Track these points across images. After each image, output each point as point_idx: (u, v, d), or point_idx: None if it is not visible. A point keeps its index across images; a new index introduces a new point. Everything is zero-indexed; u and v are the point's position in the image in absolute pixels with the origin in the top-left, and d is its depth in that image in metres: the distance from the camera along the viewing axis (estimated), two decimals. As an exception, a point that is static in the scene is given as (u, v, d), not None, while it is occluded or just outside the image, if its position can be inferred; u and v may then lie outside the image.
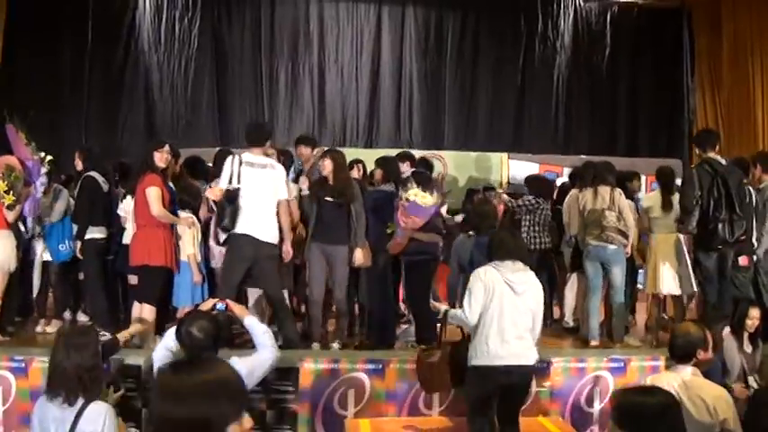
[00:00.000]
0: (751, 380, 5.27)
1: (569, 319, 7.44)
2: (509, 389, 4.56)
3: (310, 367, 5.30)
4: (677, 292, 6.63)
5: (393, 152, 8.09)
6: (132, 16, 13.03)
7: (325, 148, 7.01)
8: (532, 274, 4.70)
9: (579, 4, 14.52)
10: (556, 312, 7.92)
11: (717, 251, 6.10)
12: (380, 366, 5.38)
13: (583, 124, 14.47)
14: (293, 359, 5.32)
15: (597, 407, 5.59)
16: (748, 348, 5.35)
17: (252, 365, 3.78)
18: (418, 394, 5.35)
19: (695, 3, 15.11)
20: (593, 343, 6.43)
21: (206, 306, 4.26)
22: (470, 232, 5.82)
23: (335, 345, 6.21)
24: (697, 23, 15.24)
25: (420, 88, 13.88)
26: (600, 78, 14.54)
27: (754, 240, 6.58)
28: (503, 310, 4.47)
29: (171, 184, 6.29)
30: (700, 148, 6.30)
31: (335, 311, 6.46)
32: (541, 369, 5.36)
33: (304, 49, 13.61)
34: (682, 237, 6.59)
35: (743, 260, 6.39)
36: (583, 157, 10.43)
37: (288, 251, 5.94)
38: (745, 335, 5.32)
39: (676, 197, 6.45)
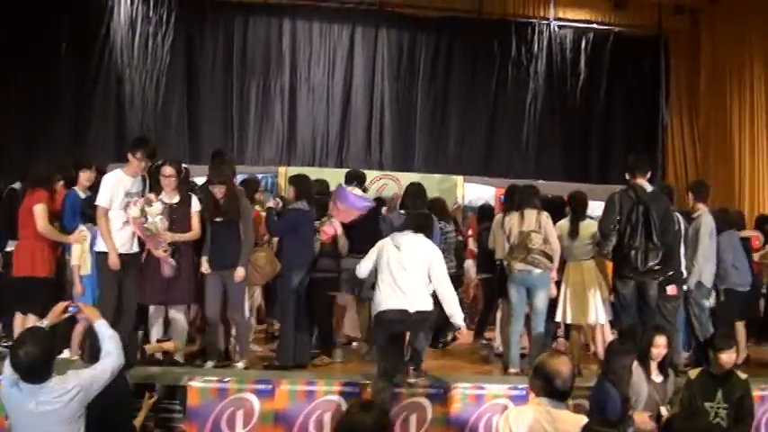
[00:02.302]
0: (663, 410, 5.11)
1: (499, 345, 7.30)
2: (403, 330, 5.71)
3: (197, 386, 5.17)
4: (602, 319, 6.48)
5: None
6: (106, 30, 13.09)
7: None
8: (423, 237, 5.69)
9: (554, 30, 14.54)
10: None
11: (632, 279, 5.94)
12: (270, 387, 5.26)
13: (555, 149, 14.45)
14: (180, 377, 5.21)
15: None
16: (657, 378, 5.18)
17: (90, 377, 3.78)
18: (309, 416, 5.22)
19: (672, 32, 15.13)
20: (513, 370, 6.24)
21: (58, 309, 4.18)
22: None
23: (240, 364, 6.07)
24: (674, 52, 15.27)
25: (391, 109, 13.89)
26: (573, 104, 14.53)
27: (683, 269, 6.47)
28: (391, 268, 5.48)
29: (81, 195, 6.35)
30: (629, 173, 6.14)
31: (236, 331, 6.30)
32: (438, 395, 5.24)
33: (276, 68, 13.66)
34: (591, 263, 6.47)
35: (671, 290, 6.25)
36: (539, 182, 10.31)
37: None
38: (654, 364, 5.16)
39: (593, 224, 6.34)
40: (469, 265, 8.75)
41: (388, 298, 5.48)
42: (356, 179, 7.42)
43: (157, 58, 13.26)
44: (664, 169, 14.89)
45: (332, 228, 6.55)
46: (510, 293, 6.42)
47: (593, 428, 3.14)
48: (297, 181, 6.53)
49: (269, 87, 13.59)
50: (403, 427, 5.38)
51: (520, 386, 5.48)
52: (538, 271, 6.22)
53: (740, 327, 7.62)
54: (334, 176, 8.66)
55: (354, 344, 7.38)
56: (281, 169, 11.28)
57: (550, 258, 6.21)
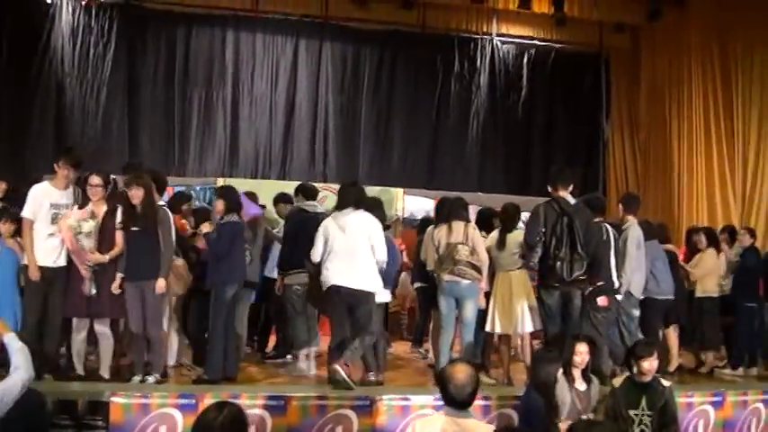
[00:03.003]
0: (585, 418, 5.16)
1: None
2: (350, 305, 6.03)
3: (120, 402, 5.06)
4: (531, 328, 6.53)
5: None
6: (47, 39, 12.78)
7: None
8: (365, 215, 6.14)
9: (497, 45, 14.72)
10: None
11: (557, 289, 6.03)
12: (193, 402, 5.14)
13: (497, 163, 14.61)
14: (103, 393, 5.09)
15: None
16: (581, 386, 5.24)
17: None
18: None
19: (613, 49, 15.47)
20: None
21: None
22: None
23: (151, 378, 5.95)
24: (615, 68, 15.60)
25: (335, 122, 13.85)
26: (516, 118, 14.72)
27: (615, 280, 6.56)
28: (338, 250, 5.97)
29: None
30: (551, 186, 6.26)
31: (149, 345, 6.15)
32: (364, 407, 5.21)
33: (218, 79, 13.49)
34: (519, 274, 6.53)
35: (602, 300, 6.33)
36: (479, 194, 10.43)
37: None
38: (577, 372, 5.22)
39: (520, 235, 6.42)
40: (403, 277, 8.77)
41: (335, 274, 5.98)
42: (302, 192, 7.48)
43: (98, 68, 13.00)
44: (605, 183, 15.16)
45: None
46: (439, 304, 6.48)
47: None
48: (226, 194, 6.45)
49: (211, 99, 13.41)
50: None
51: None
52: (466, 282, 6.27)
53: (671, 335, 7.78)
54: (277, 189, 8.68)
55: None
56: (221, 181, 11.14)
57: (478, 269, 6.27)
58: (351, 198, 6.25)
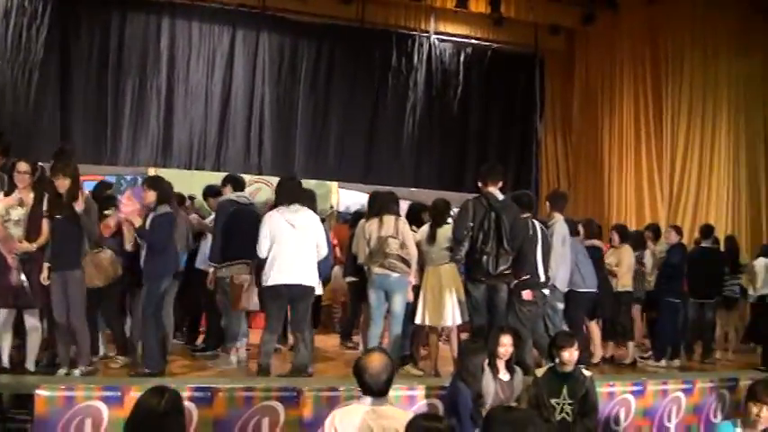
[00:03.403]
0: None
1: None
2: (291, 300, 6.07)
3: (44, 395, 4.94)
4: (459, 320, 6.66)
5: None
6: (-23, 19, 12.36)
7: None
8: (310, 212, 6.19)
9: (434, 42, 14.87)
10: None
11: (483, 282, 6.15)
12: (119, 394, 5.04)
13: (433, 159, 14.76)
14: (29, 386, 4.98)
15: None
16: (505, 377, 5.35)
17: None
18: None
19: (548, 51, 15.80)
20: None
21: None
22: None
23: (77, 371, 5.83)
24: (550, 70, 15.93)
25: (271, 114, 13.79)
26: (451, 114, 14.92)
27: (541, 274, 6.70)
28: (285, 245, 5.91)
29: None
30: (481, 182, 6.35)
31: (74, 337, 5.98)
32: (291, 398, 5.23)
33: (153, 67, 13.29)
34: (448, 267, 6.64)
35: (526, 294, 6.45)
36: (413, 190, 10.52)
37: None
38: (501, 363, 5.33)
39: (450, 230, 6.52)
40: (336, 271, 8.81)
41: (282, 271, 5.92)
42: (231, 183, 7.36)
43: (31, 51, 12.58)
44: (537, 181, 15.49)
45: (114, 219, 6.53)
46: (369, 297, 6.53)
47: (420, 423, 3.21)
48: (156, 184, 6.33)
49: (145, 86, 13.20)
50: (255, 431, 5.30)
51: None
52: (395, 275, 6.34)
53: (594, 327, 8.00)
54: (211, 180, 8.57)
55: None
56: (152, 171, 10.94)
57: (407, 263, 6.35)
58: (298, 194, 6.26)
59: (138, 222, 6.11)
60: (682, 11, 13.46)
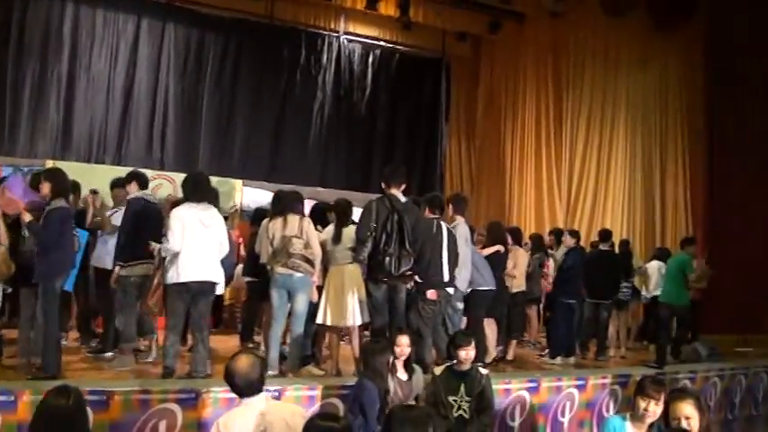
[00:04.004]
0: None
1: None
2: (196, 299, 5.97)
3: None
4: (360, 321, 6.70)
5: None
6: None
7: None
8: (216, 210, 6.17)
9: (343, 43, 14.90)
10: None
11: (385, 283, 6.21)
12: (12, 399, 4.85)
13: (339, 159, 14.79)
14: None
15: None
16: (403, 376, 5.42)
17: None
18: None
19: (455, 56, 16.09)
20: (271, 372, 6.28)
21: None
22: None
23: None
24: (456, 75, 16.23)
25: (176, 108, 13.49)
26: (359, 115, 14.98)
27: (445, 274, 6.80)
28: (195, 242, 5.84)
29: None
30: (385, 183, 6.41)
31: None
32: (189, 400, 5.15)
33: (54, 53, 12.68)
34: (352, 267, 6.68)
35: (431, 294, 6.53)
36: (319, 189, 10.48)
37: None
38: (399, 362, 5.40)
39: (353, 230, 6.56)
40: (239, 270, 8.71)
41: (190, 269, 5.86)
42: (137, 179, 7.12)
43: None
44: (442, 184, 15.73)
45: None
46: (272, 296, 6.47)
47: (317, 423, 3.23)
48: (53, 176, 6.07)
49: (46, 74, 12.60)
50: None
51: (272, 389, 5.50)
52: (299, 275, 6.32)
53: (489, 326, 8.19)
54: (112, 174, 8.25)
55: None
56: (50, 163, 10.46)
57: (311, 263, 6.34)
58: (207, 190, 6.24)
59: (27, 217, 5.88)
60: (584, 23, 13.99)
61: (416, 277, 6.42)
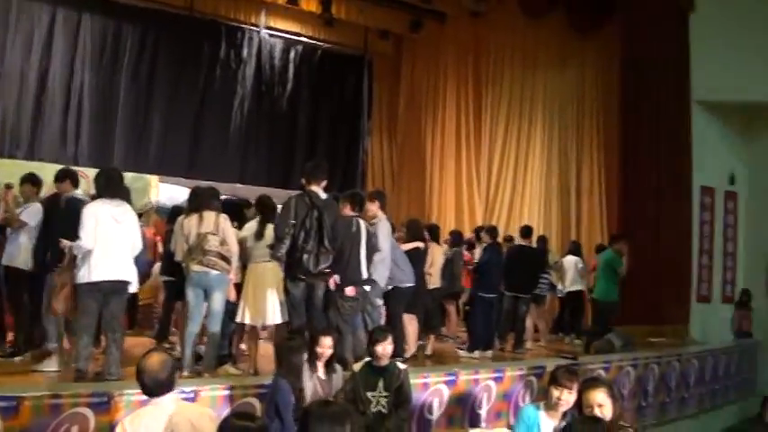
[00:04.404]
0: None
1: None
2: (109, 298, 5.76)
3: None
4: (278, 320, 6.67)
5: (57, 167, 7.51)
6: None
7: None
8: (129, 207, 5.95)
9: (264, 37, 14.76)
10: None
11: (303, 281, 6.17)
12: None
13: (260, 154, 14.65)
14: None
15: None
16: (323, 375, 5.41)
17: None
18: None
19: (377, 53, 16.16)
20: (186, 372, 6.18)
21: None
22: None
23: None
24: (378, 73, 16.30)
25: (91, 102, 13.09)
26: (280, 111, 14.88)
27: (364, 271, 6.83)
28: (108, 237, 5.63)
29: None
30: (305, 180, 6.37)
31: None
32: (101, 404, 5.02)
33: (-38, 42, 12.08)
34: (271, 265, 6.64)
35: (350, 290, 6.55)
36: (237, 185, 10.37)
37: None
38: (320, 363, 5.39)
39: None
40: (156, 268, 8.55)
41: (103, 267, 5.66)
42: (70, 178, 6.89)
43: None
44: (363, 180, 15.79)
45: None
46: (187, 295, 6.36)
47: (232, 422, 3.20)
48: None
49: (-46, 65, 12.02)
50: None
51: (187, 389, 5.42)
52: (215, 272, 6.22)
53: (410, 322, 8.27)
54: (24, 169, 7.91)
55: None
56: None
57: (227, 260, 6.26)
58: (120, 187, 6.05)
59: None
60: (504, 23, 14.26)
61: (336, 276, 6.42)
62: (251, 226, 6.78)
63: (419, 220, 9.83)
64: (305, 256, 6.02)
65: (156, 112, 13.69)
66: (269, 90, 14.80)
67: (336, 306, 6.47)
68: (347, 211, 6.75)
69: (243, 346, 7.42)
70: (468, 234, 11.87)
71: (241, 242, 6.57)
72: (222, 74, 14.27)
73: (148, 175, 11.24)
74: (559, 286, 10.90)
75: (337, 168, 15.13)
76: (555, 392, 4.45)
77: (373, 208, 7.29)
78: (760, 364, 11.59)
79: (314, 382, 5.30)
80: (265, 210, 6.83)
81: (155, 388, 3.56)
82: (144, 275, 7.12)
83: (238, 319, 6.69)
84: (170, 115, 13.81)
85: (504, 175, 14.36)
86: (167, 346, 7.75)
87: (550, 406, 4.50)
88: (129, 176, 10.82)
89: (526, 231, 10.06)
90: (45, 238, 6.70)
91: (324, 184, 6.41)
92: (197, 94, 14.03)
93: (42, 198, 7.19)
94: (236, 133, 14.37)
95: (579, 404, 4.20)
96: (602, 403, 4.02)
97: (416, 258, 8.26)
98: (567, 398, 4.40)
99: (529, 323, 10.20)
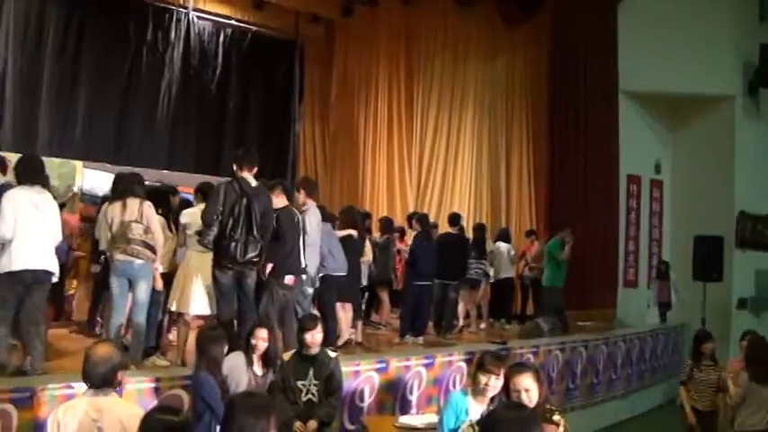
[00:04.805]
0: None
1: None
2: (31, 288, 5.55)
3: None
4: (206, 311, 6.55)
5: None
6: None
7: None
8: (50, 194, 5.75)
9: (193, 19, 14.44)
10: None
11: (231, 269, 6.04)
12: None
13: (189, 139, 14.38)
14: None
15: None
16: (259, 370, 5.34)
17: None
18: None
19: (309, 38, 16.01)
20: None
21: None
22: None
23: None
24: (309, 58, 16.15)
25: (14, 84, 12.44)
26: (209, 95, 14.64)
27: (302, 261, 6.78)
28: (29, 227, 5.45)
29: None
30: (237, 166, 6.22)
31: None
32: (23, 399, 4.84)
33: None
34: (208, 253, 6.48)
35: (289, 279, 6.49)
36: (164, 172, 10.14)
37: None
38: (256, 356, 5.31)
39: None
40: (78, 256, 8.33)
41: (23, 257, 5.46)
42: None
43: None
44: (295, 168, 15.63)
45: None
46: (111, 285, 6.20)
47: (154, 417, 3.14)
48: None
49: None
50: None
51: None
52: (139, 261, 6.07)
53: (343, 310, 8.25)
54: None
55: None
56: None
57: (153, 249, 6.11)
58: (41, 173, 5.80)
59: None
60: (434, 14, 14.32)
61: (269, 265, 6.34)
62: (192, 212, 6.62)
63: (353, 206, 9.78)
64: (233, 245, 5.90)
65: (81, 94, 13.22)
66: (197, 74, 14.50)
67: (271, 294, 6.39)
68: (282, 200, 6.67)
69: (171, 337, 7.28)
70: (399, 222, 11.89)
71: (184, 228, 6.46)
72: (149, 56, 13.90)
73: (73, 161, 10.85)
74: (491, 272, 11.02)
75: (268, 155, 14.88)
76: (482, 378, 4.47)
77: (300, 196, 7.27)
78: (686, 346, 11.99)
79: (249, 377, 5.24)
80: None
81: (93, 379, 3.54)
82: (61, 264, 6.87)
83: (170, 307, 6.57)
84: (96, 99, 13.36)
85: (435, 161, 14.44)
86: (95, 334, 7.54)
87: (478, 392, 4.51)
88: (55, 162, 10.64)
89: (454, 219, 10.16)
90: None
91: (254, 171, 6.31)
92: (123, 78, 13.62)
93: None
94: (163, 118, 14.02)
95: (507, 389, 4.24)
96: (528, 388, 4.07)
97: (351, 246, 8.26)
98: (495, 383, 4.42)
99: (461, 309, 10.31)
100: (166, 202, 6.95)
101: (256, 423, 2.78)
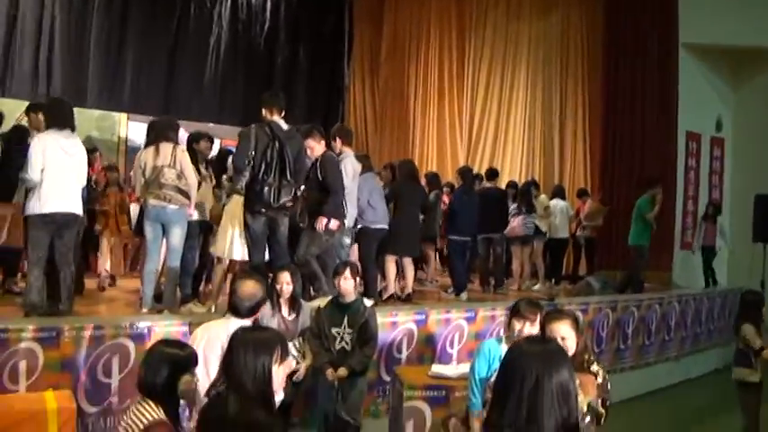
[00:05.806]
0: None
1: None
2: (61, 230, 5.62)
3: None
4: (229, 256, 6.43)
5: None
6: None
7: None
8: (79, 140, 5.80)
9: (241, -26, 14.28)
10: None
11: (264, 215, 5.88)
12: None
13: (237, 95, 14.28)
14: None
15: (116, 377, 5.11)
16: (288, 314, 5.20)
17: None
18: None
19: (359, -6, 15.68)
20: (144, 310, 5.99)
21: None
22: None
23: None
24: (359, 13, 15.90)
25: (62, 39, 12.50)
26: (257, 51, 14.50)
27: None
28: (57, 169, 5.49)
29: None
30: (266, 109, 6.03)
31: None
32: (50, 338, 4.83)
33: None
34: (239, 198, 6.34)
35: (334, 224, 6.24)
36: (210, 125, 10.04)
37: None
38: (283, 300, 5.20)
39: None
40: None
41: (52, 199, 5.52)
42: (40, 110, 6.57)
43: None
44: (344, 123, 15.41)
45: None
46: (145, 230, 6.15)
47: (160, 349, 3.03)
48: None
49: None
50: (12, 376, 4.77)
51: (141, 325, 5.24)
52: (172, 207, 6.00)
53: (389, 263, 8.07)
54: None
55: None
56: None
57: (186, 194, 6.02)
58: (70, 118, 5.77)
59: None
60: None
61: (324, 219, 6.18)
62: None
63: (411, 160, 9.62)
64: (266, 189, 5.75)
65: (129, 50, 13.21)
66: (245, 29, 14.36)
67: (312, 238, 6.23)
68: (322, 145, 6.47)
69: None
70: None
71: None
72: (197, 12, 13.80)
73: (116, 113, 10.86)
74: (543, 229, 10.64)
75: (317, 111, 14.81)
76: (517, 325, 4.20)
77: (337, 145, 7.07)
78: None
79: (277, 322, 5.12)
80: None
81: (238, 309, 3.99)
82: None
83: (211, 250, 6.54)
84: (144, 54, 13.35)
85: (487, 119, 14.17)
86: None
87: (512, 339, 4.27)
88: (96, 114, 10.66)
89: (491, 173, 9.95)
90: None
91: (283, 113, 6.12)
92: (171, 33, 13.57)
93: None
94: (212, 73, 13.97)
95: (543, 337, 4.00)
96: (565, 336, 3.77)
97: (411, 197, 8.21)
98: (530, 330, 4.14)
99: (516, 265, 10.07)
100: (192, 150, 6.75)
101: (257, 358, 2.59)
